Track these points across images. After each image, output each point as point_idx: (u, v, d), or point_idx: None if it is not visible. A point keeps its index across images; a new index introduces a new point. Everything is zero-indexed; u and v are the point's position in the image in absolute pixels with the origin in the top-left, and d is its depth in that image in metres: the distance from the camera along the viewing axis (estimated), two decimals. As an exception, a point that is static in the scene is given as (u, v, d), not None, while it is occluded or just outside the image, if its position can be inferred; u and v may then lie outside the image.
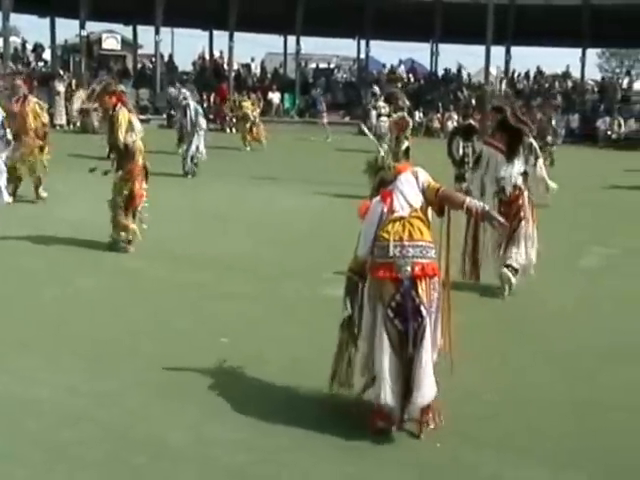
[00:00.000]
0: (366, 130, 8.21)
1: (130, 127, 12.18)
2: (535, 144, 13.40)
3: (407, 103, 22.41)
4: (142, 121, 12.74)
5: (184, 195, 18.52)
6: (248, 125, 30.13)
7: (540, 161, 16.23)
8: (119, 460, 5.92)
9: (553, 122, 31.29)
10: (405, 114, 18.87)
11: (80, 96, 33.87)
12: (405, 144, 17.49)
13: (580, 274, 12.73)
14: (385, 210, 6.44)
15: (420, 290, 6.27)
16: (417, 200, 6.49)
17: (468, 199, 6.74)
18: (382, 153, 7.24)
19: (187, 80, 38.59)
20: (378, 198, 6.64)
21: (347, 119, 42.85)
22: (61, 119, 33.94)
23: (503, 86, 42.80)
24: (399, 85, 41.26)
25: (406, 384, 6.32)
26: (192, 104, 22.92)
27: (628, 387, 7.79)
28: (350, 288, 6.66)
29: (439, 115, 39.32)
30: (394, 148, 16.48)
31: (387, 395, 6.24)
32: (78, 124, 34.27)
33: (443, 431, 6.44)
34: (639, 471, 6.17)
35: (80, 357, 7.92)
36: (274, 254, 12.59)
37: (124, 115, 12.18)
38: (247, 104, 31.52)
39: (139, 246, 12.44)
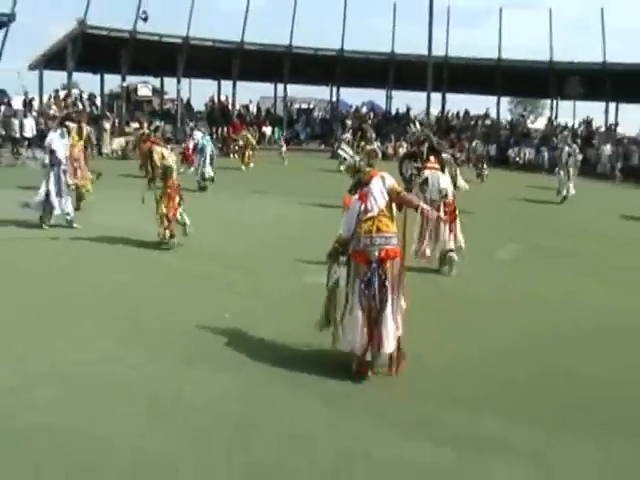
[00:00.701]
0: (344, 147, 8.28)
1: (163, 157, 12.28)
2: (451, 159, 13.42)
3: (374, 135, 22.40)
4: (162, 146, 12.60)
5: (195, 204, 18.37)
6: (247, 151, 30.09)
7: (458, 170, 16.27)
8: (144, 412, 5.88)
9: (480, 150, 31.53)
10: (375, 147, 18.82)
11: (119, 142, 33.95)
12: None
13: (497, 263, 12.75)
14: (362, 209, 6.86)
15: (385, 268, 6.77)
16: (383, 201, 6.90)
17: (421, 203, 7.42)
18: (358, 159, 7.46)
19: (201, 118, 38.32)
20: (357, 197, 7.02)
21: (323, 147, 42.84)
22: (107, 149, 33.71)
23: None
24: (368, 121, 41.20)
25: (374, 338, 6.71)
26: (197, 138, 22.81)
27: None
28: (333, 254, 7.04)
29: (392, 144, 39.39)
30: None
31: (358, 345, 6.73)
32: (120, 153, 34.14)
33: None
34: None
35: (117, 332, 7.85)
36: (266, 252, 12.42)
37: (157, 151, 12.31)
38: (249, 135, 31.59)
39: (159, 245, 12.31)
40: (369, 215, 6.84)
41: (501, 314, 9.37)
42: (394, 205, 7.08)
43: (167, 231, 12.24)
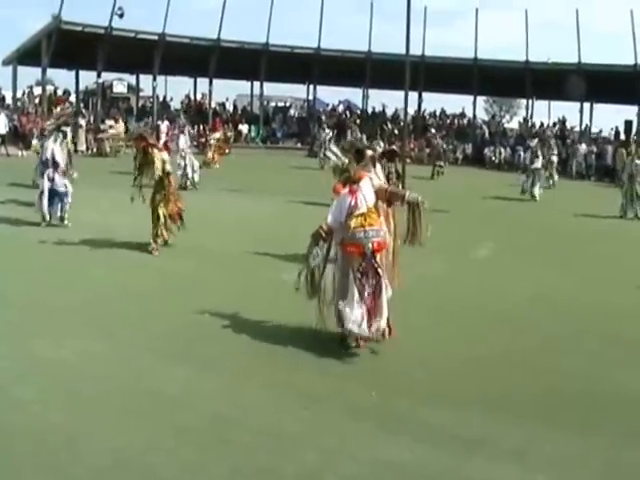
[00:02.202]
0: (333, 149, 8.67)
1: (164, 161, 12.26)
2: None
3: (359, 135, 22.44)
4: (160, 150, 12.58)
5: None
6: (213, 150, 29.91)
7: None
8: (123, 409, 5.89)
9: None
10: (375, 153, 18.86)
11: (116, 129, 33.83)
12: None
13: (472, 261, 12.85)
14: (352, 204, 7.49)
15: (377, 258, 7.54)
16: (372, 199, 7.63)
17: (407, 192, 8.10)
18: (346, 161, 8.22)
19: (178, 115, 38.18)
20: (347, 190, 7.61)
21: (299, 145, 42.84)
22: (82, 146, 33.49)
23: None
24: (356, 120, 41.33)
25: (370, 318, 7.41)
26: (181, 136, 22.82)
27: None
28: (317, 237, 7.58)
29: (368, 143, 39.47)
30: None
31: (357, 326, 7.36)
32: (95, 150, 33.95)
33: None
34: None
35: (98, 330, 7.84)
36: (245, 249, 12.42)
37: (157, 156, 12.21)
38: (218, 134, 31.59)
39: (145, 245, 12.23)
40: (360, 211, 7.49)
41: (479, 311, 9.45)
42: (383, 202, 7.94)
43: (163, 235, 12.28)
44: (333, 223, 7.54)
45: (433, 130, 40.38)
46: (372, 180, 7.85)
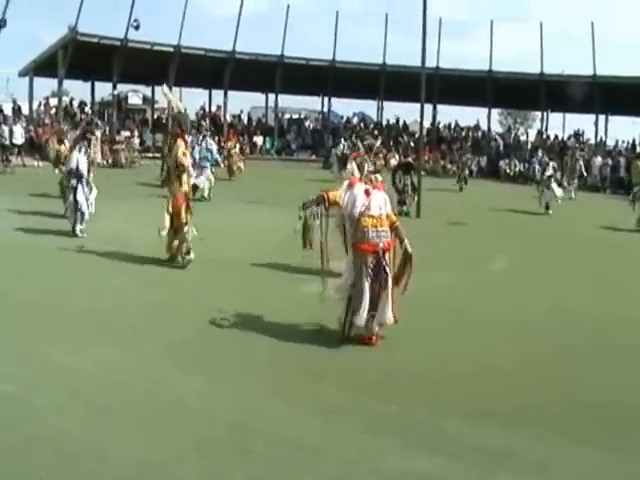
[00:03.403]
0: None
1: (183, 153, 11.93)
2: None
3: (377, 144, 22.38)
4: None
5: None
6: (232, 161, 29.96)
7: None
8: (141, 418, 5.87)
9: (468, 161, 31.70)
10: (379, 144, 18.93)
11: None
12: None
13: (489, 273, 12.82)
14: (366, 204, 8.06)
15: (387, 257, 8.07)
16: (385, 209, 8.20)
17: (407, 240, 8.27)
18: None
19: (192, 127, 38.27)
20: (363, 188, 8.22)
21: (314, 157, 42.94)
22: (97, 157, 33.67)
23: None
24: (374, 132, 41.41)
25: (377, 312, 7.96)
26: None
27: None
28: (318, 200, 8.27)
29: (383, 155, 39.50)
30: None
31: (363, 318, 7.88)
32: (110, 161, 34.10)
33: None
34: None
35: (114, 339, 7.84)
36: (263, 261, 12.38)
37: (181, 145, 11.94)
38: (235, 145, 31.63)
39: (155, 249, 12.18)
40: (372, 213, 8.05)
41: (495, 322, 9.41)
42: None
43: (182, 245, 11.91)
44: (342, 202, 8.15)
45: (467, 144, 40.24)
46: (387, 202, 8.39)
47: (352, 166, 8.97)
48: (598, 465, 5.57)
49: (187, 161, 12.08)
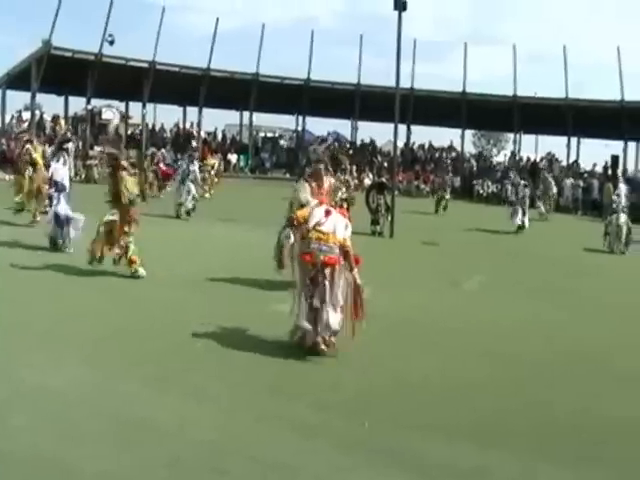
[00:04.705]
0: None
1: (130, 185, 12.11)
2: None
3: (348, 166, 22.58)
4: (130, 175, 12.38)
5: (163, 231, 18.27)
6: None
7: None
8: (114, 437, 5.80)
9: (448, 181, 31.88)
10: (349, 178, 18.98)
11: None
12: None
13: (463, 294, 12.88)
14: (321, 221, 8.38)
15: (326, 271, 8.17)
16: (340, 233, 8.34)
17: (355, 271, 8.34)
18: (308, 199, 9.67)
19: (165, 143, 38.22)
20: (325, 208, 8.61)
21: (288, 175, 42.99)
22: (70, 172, 33.43)
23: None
24: (348, 151, 41.58)
25: (317, 321, 8.13)
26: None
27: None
28: (291, 220, 8.96)
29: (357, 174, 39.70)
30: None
31: (305, 325, 8.14)
32: (83, 176, 33.93)
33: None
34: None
35: (83, 356, 7.76)
36: (234, 278, 12.34)
37: (126, 179, 12.10)
38: (215, 163, 31.65)
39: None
40: (322, 229, 8.30)
41: (469, 341, 9.45)
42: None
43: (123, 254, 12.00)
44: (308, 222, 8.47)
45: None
46: (348, 227, 8.58)
47: (305, 194, 9.23)
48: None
49: (136, 190, 12.34)
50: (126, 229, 12.01)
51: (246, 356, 8.05)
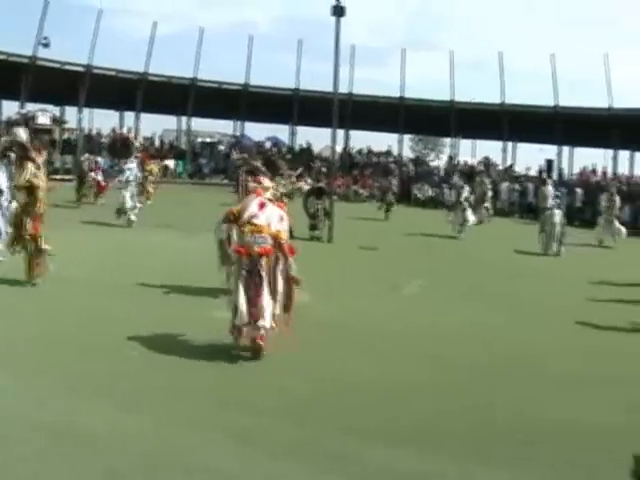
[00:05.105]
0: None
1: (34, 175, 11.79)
2: None
3: (287, 171, 22.56)
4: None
5: (98, 237, 17.99)
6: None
7: None
8: (49, 449, 5.67)
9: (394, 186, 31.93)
10: (286, 182, 18.87)
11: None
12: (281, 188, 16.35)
13: (402, 297, 12.95)
14: (254, 213, 8.52)
15: (262, 261, 8.35)
16: (274, 225, 8.49)
17: (291, 260, 8.50)
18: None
19: (102, 149, 37.69)
20: (259, 200, 8.67)
21: (226, 181, 42.74)
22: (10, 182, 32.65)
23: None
24: (285, 156, 41.41)
25: (252, 314, 8.17)
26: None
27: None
28: (227, 215, 8.78)
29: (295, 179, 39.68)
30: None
31: (243, 318, 8.16)
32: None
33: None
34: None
35: (17, 368, 7.58)
36: (171, 285, 12.19)
37: (29, 166, 11.81)
38: (155, 168, 31.27)
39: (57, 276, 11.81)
40: (256, 222, 8.45)
41: (408, 346, 9.52)
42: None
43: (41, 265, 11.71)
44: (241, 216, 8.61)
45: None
46: (283, 219, 8.74)
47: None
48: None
49: (39, 181, 11.90)
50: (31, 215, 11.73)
51: (183, 362, 7.99)
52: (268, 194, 9.05)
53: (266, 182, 9.37)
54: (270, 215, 8.59)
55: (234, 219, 8.73)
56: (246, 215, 8.56)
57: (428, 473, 5.72)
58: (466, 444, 6.35)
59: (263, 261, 8.40)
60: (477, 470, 5.82)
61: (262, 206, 8.62)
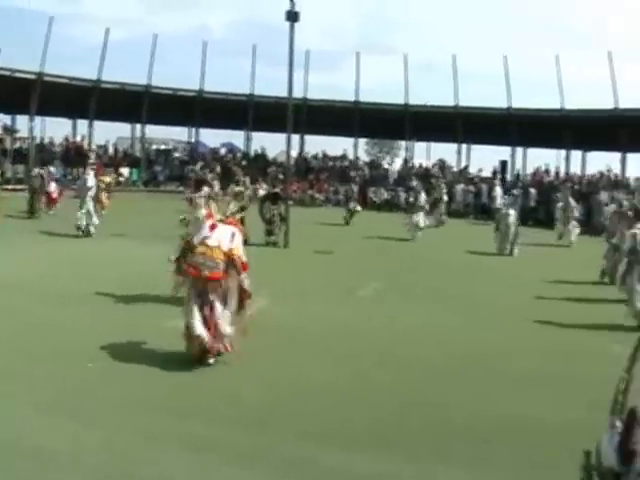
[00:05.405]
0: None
1: None
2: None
3: (242, 178, 22.51)
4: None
5: (52, 247, 17.76)
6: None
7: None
8: (6, 467, 5.55)
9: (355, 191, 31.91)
10: (242, 189, 18.77)
11: None
12: (233, 206, 16.44)
13: (357, 300, 12.96)
14: (206, 235, 8.57)
15: (209, 286, 8.38)
16: (226, 245, 8.50)
17: (244, 276, 8.55)
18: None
19: (55, 158, 37.19)
20: (210, 223, 8.71)
21: (181, 188, 42.44)
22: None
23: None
24: (241, 163, 41.32)
25: (210, 329, 8.24)
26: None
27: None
28: (182, 253, 8.82)
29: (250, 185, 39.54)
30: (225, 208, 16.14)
31: (198, 330, 8.18)
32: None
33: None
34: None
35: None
36: (126, 294, 12.03)
37: None
38: (108, 178, 30.95)
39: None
40: (208, 243, 8.49)
41: (364, 348, 9.54)
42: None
43: None
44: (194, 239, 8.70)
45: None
46: (235, 236, 8.70)
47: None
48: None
49: None
50: None
51: (138, 372, 7.91)
52: (218, 216, 9.18)
53: (204, 191, 9.29)
54: (221, 235, 8.65)
55: (190, 247, 8.76)
56: (197, 239, 8.64)
57: (384, 474, 5.73)
58: (423, 444, 6.37)
59: (212, 286, 8.46)
60: (434, 470, 5.85)
61: (213, 228, 8.72)
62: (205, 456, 5.90)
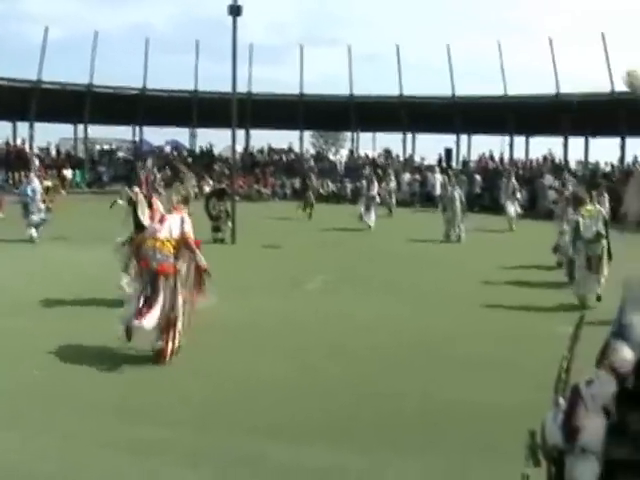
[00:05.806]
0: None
1: None
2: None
3: (188, 174, 22.24)
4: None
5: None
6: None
7: None
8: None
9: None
10: (189, 191, 18.57)
11: None
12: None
13: (308, 293, 12.96)
14: (157, 229, 8.78)
15: (160, 279, 8.45)
16: (176, 233, 8.65)
17: (198, 252, 8.75)
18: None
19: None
20: (159, 216, 9.13)
21: (126, 188, 41.94)
22: None
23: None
24: (186, 160, 41.04)
25: (142, 315, 8.26)
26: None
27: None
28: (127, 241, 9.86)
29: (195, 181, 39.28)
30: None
31: (136, 323, 8.21)
32: None
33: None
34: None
35: None
36: (70, 299, 11.80)
37: None
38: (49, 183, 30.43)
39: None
40: (158, 236, 8.63)
41: (316, 341, 9.57)
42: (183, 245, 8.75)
43: None
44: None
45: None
46: (184, 220, 8.81)
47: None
48: (423, 470, 5.76)
49: None
50: None
51: (85, 377, 7.82)
52: (161, 208, 9.58)
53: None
54: (171, 224, 8.77)
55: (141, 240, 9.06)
56: (149, 232, 8.92)
57: (334, 467, 5.74)
58: (375, 435, 6.39)
59: (161, 279, 8.49)
60: (386, 460, 5.87)
61: (162, 220, 8.94)
62: (153, 460, 5.85)
